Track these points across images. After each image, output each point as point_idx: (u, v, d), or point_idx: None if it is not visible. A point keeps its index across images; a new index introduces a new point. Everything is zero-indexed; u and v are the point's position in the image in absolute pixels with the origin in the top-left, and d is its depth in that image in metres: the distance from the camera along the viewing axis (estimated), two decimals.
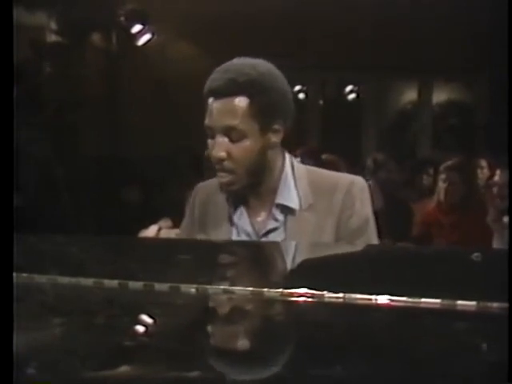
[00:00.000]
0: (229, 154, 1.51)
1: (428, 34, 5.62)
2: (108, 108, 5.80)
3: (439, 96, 7.37)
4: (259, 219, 1.60)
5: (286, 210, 1.57)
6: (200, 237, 1.65)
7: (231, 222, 1.62)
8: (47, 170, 4.37)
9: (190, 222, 1.72)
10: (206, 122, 1.53)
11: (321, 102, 7.50)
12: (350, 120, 7.34)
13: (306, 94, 7.32)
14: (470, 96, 7.33)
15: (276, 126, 1.53)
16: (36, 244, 1.35)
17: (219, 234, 1.61)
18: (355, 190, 1.58)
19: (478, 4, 5.21)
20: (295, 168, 1.61)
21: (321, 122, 7.27)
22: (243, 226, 1.60)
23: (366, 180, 1.66)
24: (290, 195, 1.57)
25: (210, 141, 1.55)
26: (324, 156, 4.21)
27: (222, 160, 1.51)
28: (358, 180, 1.63)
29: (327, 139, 6.73)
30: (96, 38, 5.76)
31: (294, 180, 1.59)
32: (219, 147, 1.51)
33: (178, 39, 5.88)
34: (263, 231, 1.58)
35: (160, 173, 5.04)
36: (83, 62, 5.48)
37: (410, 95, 7.53)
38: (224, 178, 1.54)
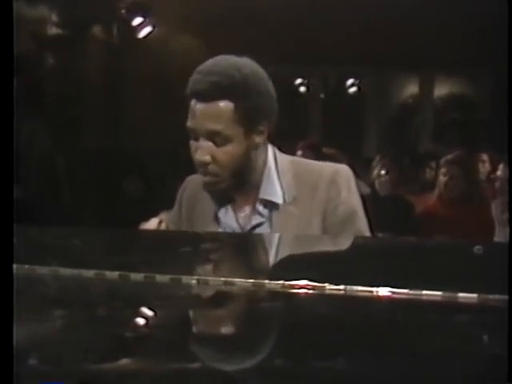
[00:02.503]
0: (213, 158, 1.49)
1: (429, 28, 5.60)
2: (109, 101, 5.79)
3: (441, 90, 7.35)
4: (244, 215, 1.59)
5: (270, 205, 1.56)
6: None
7: (217, 219, 1.61)
8: (48, 163, 4.37)
9: (177, 215, 1.72)
10: (189, 124, 1.50)
11: (322, 96, 7.48)
12: (350, 114, 7.32)
13: (307, 88, 7.31)
14: (472, 90, 7.32)
15: (260, 128, 1.52)
16: (37, 236, 1.35)
17: (205, 230, 1.61)
18: (340, 180, 1.56)
19: None
20: (278, 161, 1.60)
21: (321, 116, 7.26)
22: (229, 222, 1.60)
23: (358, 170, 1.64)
24: (273, 189, 1.56)
25: (192, 142, 1.52)
26: (324, 149, 4.20)
27: (206, 164, 1.50)
28: (343, 168, 1.60)
29: (328, 133, 6.72)
30: (97, 30, 5.75)
31: (278, 173, 1.58)
32: (203, 151, 1.49)
33: (179, 32, 5.86)
34: (248, 226, 1.58)
35: (161, 166, 5.04)
36: (84, 54, 5.47)
37: (412, 89, 7.52)
38: (208, 180, 1.53)
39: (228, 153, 1.49)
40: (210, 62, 1.50)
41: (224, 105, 1.45)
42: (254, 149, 1.53)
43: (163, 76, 5.56)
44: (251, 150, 1.53)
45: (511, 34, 1.31)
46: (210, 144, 1.49)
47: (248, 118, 1.48)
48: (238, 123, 1.47)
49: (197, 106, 1.48)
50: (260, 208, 1.57)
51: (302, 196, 1.55)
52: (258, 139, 1.53)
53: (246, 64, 1.50)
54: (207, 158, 1.49)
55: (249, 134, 1.50)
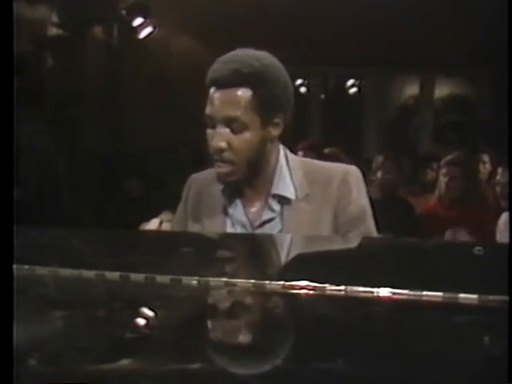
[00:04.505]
0: (229, 145, 1.51)
1: (429, 29, 5.61)
2: (109, 101, 5.79)
3: (441, 91, 7.36)
4: (254, 210, 1.60)
5: (283, 200, 1.57)
6: (193, 228, 1.65)
7: (226, 213, 1.62)
8: (48, 164, 4.37)
9: (182, 213, 1.72)
10: (207, 111, 1.52)
11: (322, 97, 7.49)
12: (351, 114, 7.33)
13: (308, 89, 7.32)
14: (472, 91, 7.32)
15: (276, 120, 1.54)
16: (37, 237, 1.35)
17: (213, 225, 1.61)
18: (351, 179, 1.58)
19: None
20: (289, 159, 1.62)
21: (322, 117, 7.26)
22: (238, 216, 1.61)
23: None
24: (285, 185, 1.58)
25: (209, 131, 1.54)
26: (326, 150, 4.21)
27: (222, 150, 1.51)
28: (353, 169, 1.63)
29: (329, 133, 6.73)
30: (97, 31, 5.75)
31: (289, 171, 1.60)
32: (220, 137, 1.51)
33: (179, 32, 5.87)
34: (258, 222, 1.59)
35: (161, 166, 5.04)
36: (84, 55, 5.47)
37: (412, 90, 7.52)
38: (223, 168, 1.54)
39: (244, 141, 1.50)
40: (230, 53, 1.53)
41: (242, 91, 1.48)
42: (269, 141, 1.55)
43: (164, 77, 5.56)
44: (266, 142, 1.55)
45: (511, 34, 1.30)
46: (227, 131, 1.51)
47: (265, 107, 1.50)
48: (255, 111, 1.49)
49: (215, 93, 1.50)
50: (272, 203, 1.58)
51: (313, 194, 1.57)
52: (274, 132, 1.55)
53: (266, 56, 1.54)
54: (223, 144, 1.51)
55: (265, 124, 1.52)
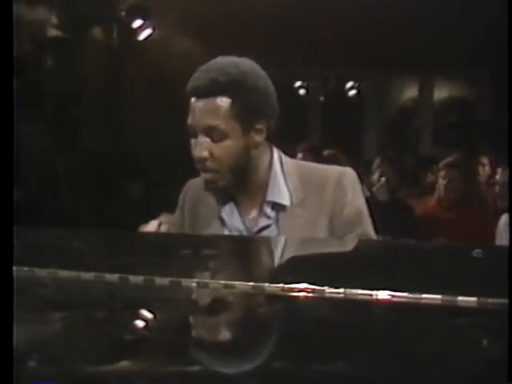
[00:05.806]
0: (211, 154, 1.51)
1: (430, 29, 5.61)
2: (109, 103, 5.79)
3: (441, 92, 7.36)
4: (251, 217, 1.60)
5: (278, 207, 1.57)
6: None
7: (222, 221, 1.61)
8: (48, 164, 4.37)
9: (179, 219, 1.71)
10: (189, 121, 1.53)
11: (322, 98, 7.49)
12: (350, 116, 7.33)
13: (307, 91, 7.32)
14: (472, 91, 7.32)
15: (259, 126, 1.52)
16: (37, 238, 1.35)
17: (210, 233, 1.61)
18: (345, 181, 1.57)
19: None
20: (284, 163, 1.61)
21: (322, 119, 7.26)
22: (235, 224, 1.60)
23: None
24: (280, 192, 1.57)
25: (192, 140, 1.54)
26: (325, 152, 4.21)
27: (204, 160, 1.51)
28: (348, 171, 1.62)
29: (328, 135, 6.72)
30: (97, 32, 5.75)
31: (284, 176, 1.58)
32: (201, 147, 1.51)
33: (178, 34, 5.87)
34: (255, 229, 1.58)
35: (161, 168, 5.04)
36: (84, 56, 5.47)
37: (411, 92, 7.52)
38: (207, 177, 1.54)
39: (225, 148, 1.50)
40: (210, 62, 1.53)
41: (221, 100, 1.47)
42: (253, 147, 1.54)
43: (163, 78, 5.57)
44: (250, 148, 1.54)
45: (511, 34, 1.31)
46: (208, 140, 1.50)
47: (245, 114, 1.49)
48: (234, 119, 1.48)
49: (196, 103, 1.50)
50: (267, 210, 1.57)
51: (308, 198, 1.56)
52: (257, 138, 1.54)
53: (245, 63, 1.53)
54: (205, 153, 1.51)
55: (247, 131, 1.51)
